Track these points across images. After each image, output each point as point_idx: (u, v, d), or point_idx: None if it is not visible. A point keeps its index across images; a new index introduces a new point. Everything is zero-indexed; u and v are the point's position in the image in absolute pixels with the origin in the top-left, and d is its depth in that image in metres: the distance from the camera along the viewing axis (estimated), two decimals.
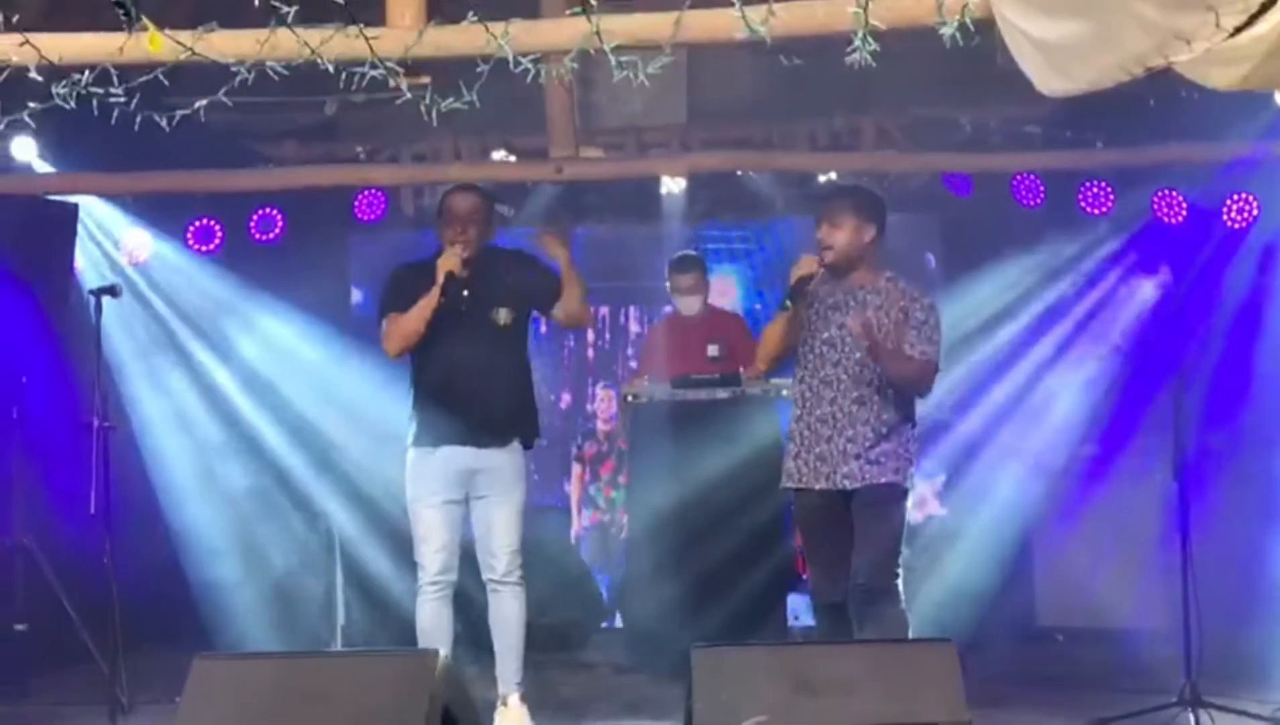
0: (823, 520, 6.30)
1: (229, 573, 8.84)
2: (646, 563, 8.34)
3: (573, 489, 11.32)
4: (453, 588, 6.68)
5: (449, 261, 6.55)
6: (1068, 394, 9.26)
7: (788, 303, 6.29)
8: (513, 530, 6.70)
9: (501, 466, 6.68)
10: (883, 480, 6.21)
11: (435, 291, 6.51)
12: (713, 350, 8.61)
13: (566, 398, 12.57)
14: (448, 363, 6.63)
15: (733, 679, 5.01)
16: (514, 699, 6.75)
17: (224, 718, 4.97)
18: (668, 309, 9.66)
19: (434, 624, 6.60)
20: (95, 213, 9.17)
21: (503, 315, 6.67)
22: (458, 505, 6.68)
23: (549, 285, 6.80)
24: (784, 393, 8.19)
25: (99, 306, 6.56)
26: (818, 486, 6.27)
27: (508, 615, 6.74)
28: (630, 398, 8.60)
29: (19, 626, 7.93)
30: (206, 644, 7.98)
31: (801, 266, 6.30)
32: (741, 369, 8.32)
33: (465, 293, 6.62)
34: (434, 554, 6.61)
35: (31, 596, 7.92)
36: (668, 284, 9.09)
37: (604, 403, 11.24)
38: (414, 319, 6.57)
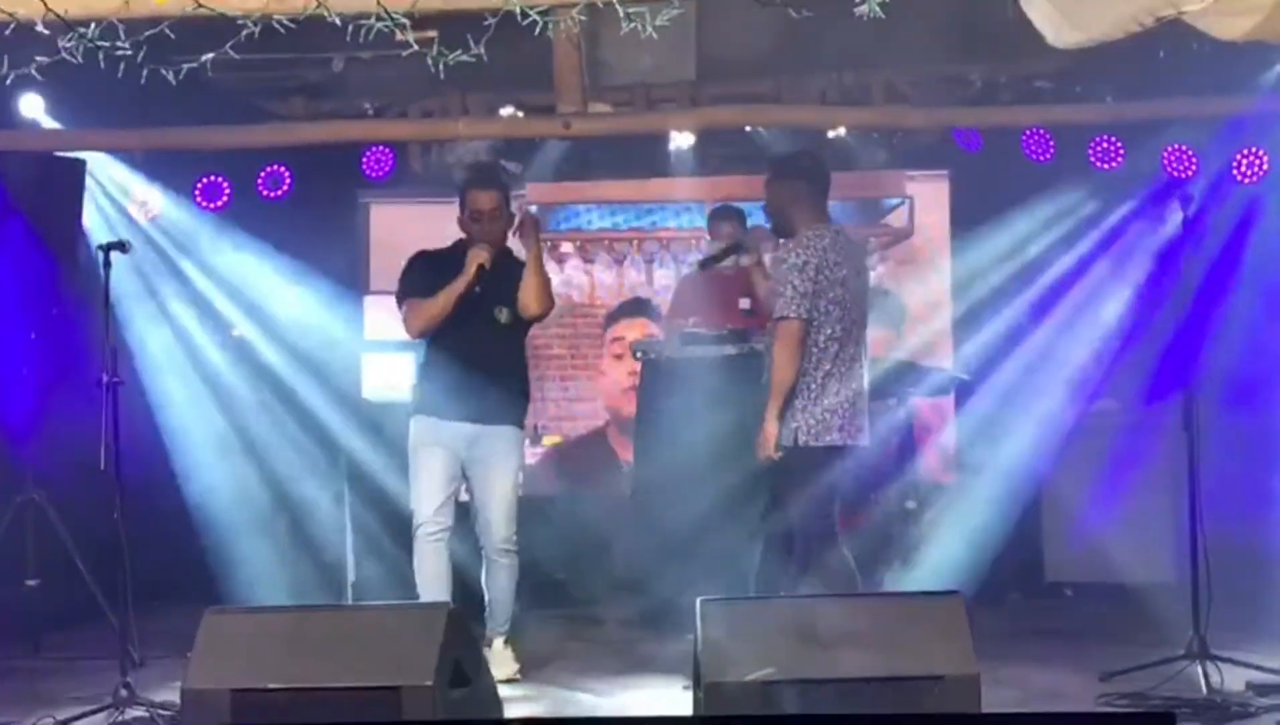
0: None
1: (239, 530, 8.86)
2: (654, 518, 8.34)
3: None
4: (448, 534, 7.03)
5: (480, 255, 6.98)
6: (1078, 349, 9.25)
7: None
8: (508, 499, 7.12)
9: (500, 436, 7.11)
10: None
11: (463, 281, 6.96)
12: (744, 303, 8.69)
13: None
14: (456, 346, 7.05)
15: (740, 632, 5.03)
16: (498, 642, 7.15)
17: (235, 670, 5.00)
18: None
19: (433, 570, 6.97)
20: (102, 169, 9.16)
21: (504, 314, 7.11)
22: (455, 455, 7.07)
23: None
24: None
25: (108, 261, 6.53)
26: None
27: (500, 579, 7.15)
28: (639, 354, 8.61)
29: (30, 582, 7.97)
30: (217, 599, 8.00)
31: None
32: (768, 323, 8.44)
33: (478, 288, 7.05)
34: (429, 496, 7.00)
35: (42, 552, 7.95)
36: (707, 230, 9.17)
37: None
38: (441, 304, 7.00)
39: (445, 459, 7.04)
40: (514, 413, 7.18)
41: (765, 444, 6.57)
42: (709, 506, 8.03)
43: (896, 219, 10.61)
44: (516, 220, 7.23)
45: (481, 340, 7.06)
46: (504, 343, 7.18)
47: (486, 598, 7.12)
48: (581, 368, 10.95)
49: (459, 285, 6.98)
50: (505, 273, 7.13)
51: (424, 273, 7.17)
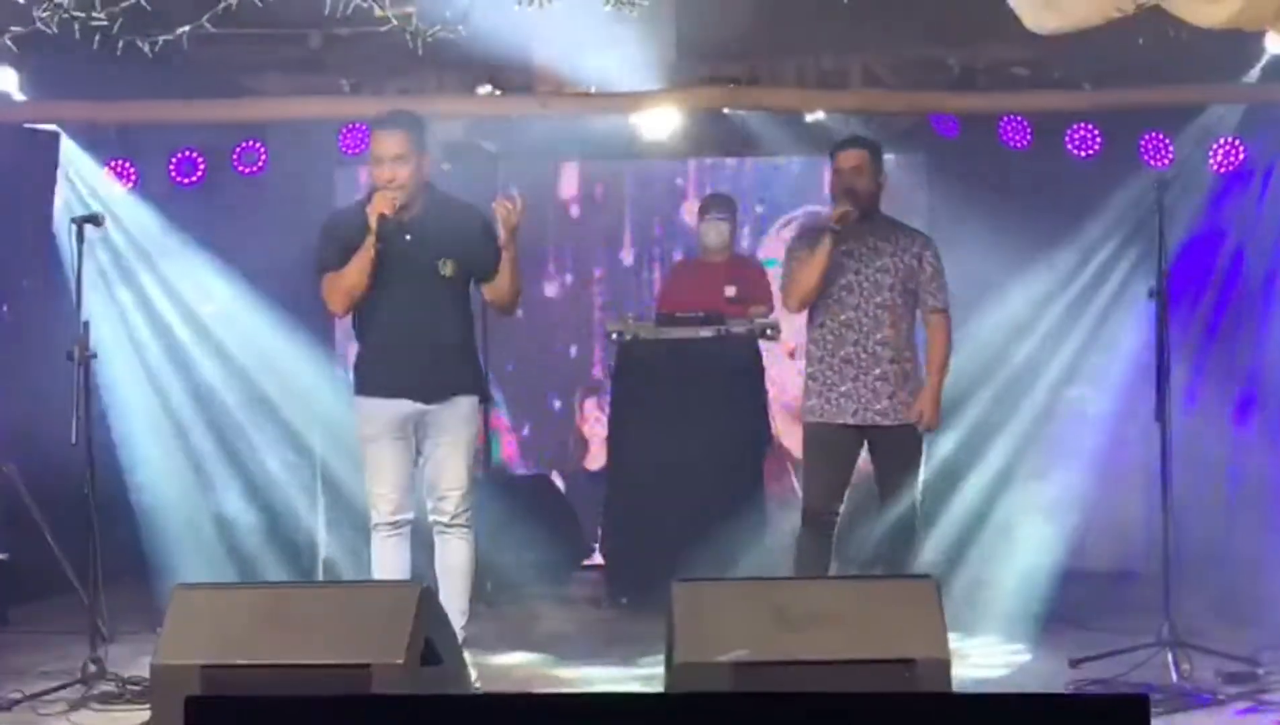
0: (835, 451, 6.93)
1: (211, 507, 8.83)
2: (628, 499, 8.35)
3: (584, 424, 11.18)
4: (409, 528, 6.48)
5: (381, 203, 6.23)
6: (1052, 337, 9.24)
7: (835, 226, 6.77)
8: (462, 470, 6.44)
9: (454, 409, 6.45)
10: (911, 421, 6.89)
11: (370, 240, 6.23)
12: (730, 291, 8.72)
13: (574, 349, 12.03)
14: (388, 310, 6.40)
15: (713, 613, 5.02)
16: None
17: (205, 646, 4.98)
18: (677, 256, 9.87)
19: (392, 567, 6.41)
20: (75, 142, 9.08)
21: (449, 266, 6.37)
22: (408, 442, 6.45)
23: (489, 256, 6.48)
24: (767, 332, 8.28)
25: (80, 235, 6.50)
26: (840, 421, 6.88)
27: (455, 560, 6.46)
28: (614, 335, 8.59)
29: (0, 555, 7.95)
30: (186, 577, 7.97)
31: (840, 206, 6.83)
32: (749, 309, 8.53)
33: (407, 237, 6.33)
34: (386, 493, 6.41)
35: (12, 526, 7.92)
36: (698, 218, 9.21)
37: None
38: (353, 273, 6.30)
39: (399, 448, 6.41)
40: (466, 381, 6.48)
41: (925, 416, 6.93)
42: (684, 486, 8.05)
43: None
44: (497, 200, 6.44)
45: (422, 300, 6.35)
46: (448, 300, 6.42)
47: (441, 591, 6.19)
48: None
49: (367, 246, 6.21)
50: (440, 217, 6.42)
51: (336, 236, 6.40)
